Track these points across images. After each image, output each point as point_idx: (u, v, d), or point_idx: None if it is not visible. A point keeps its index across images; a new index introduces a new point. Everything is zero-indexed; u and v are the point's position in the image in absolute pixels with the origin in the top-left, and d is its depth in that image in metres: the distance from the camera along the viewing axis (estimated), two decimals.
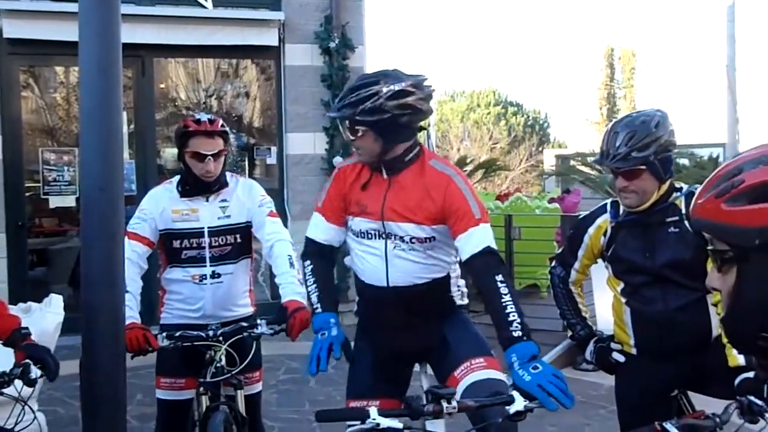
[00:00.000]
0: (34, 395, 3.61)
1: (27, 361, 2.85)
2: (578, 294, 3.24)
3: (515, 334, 2.55)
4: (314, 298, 2.97)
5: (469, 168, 12.58)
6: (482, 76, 66.08)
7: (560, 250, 3.34)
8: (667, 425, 2.00)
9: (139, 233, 3.45)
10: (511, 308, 2.61)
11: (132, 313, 3.26)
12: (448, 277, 2.99)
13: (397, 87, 2.74)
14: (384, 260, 2.89)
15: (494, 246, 2.79)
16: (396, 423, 2.17)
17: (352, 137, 2.83)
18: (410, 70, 2.90)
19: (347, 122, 2.81)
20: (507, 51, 55.31)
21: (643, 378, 2.96)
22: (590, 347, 3.13)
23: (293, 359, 6.87)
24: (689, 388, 3.03)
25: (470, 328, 3.01)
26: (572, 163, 14.30)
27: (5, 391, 2.80)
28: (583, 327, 3.17)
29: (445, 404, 2.20)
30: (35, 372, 2.82)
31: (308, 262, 3.05)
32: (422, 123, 2.96)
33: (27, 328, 3.07)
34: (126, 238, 3.30)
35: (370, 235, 2.91)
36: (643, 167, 2.82)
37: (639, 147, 2.81)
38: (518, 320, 2.58)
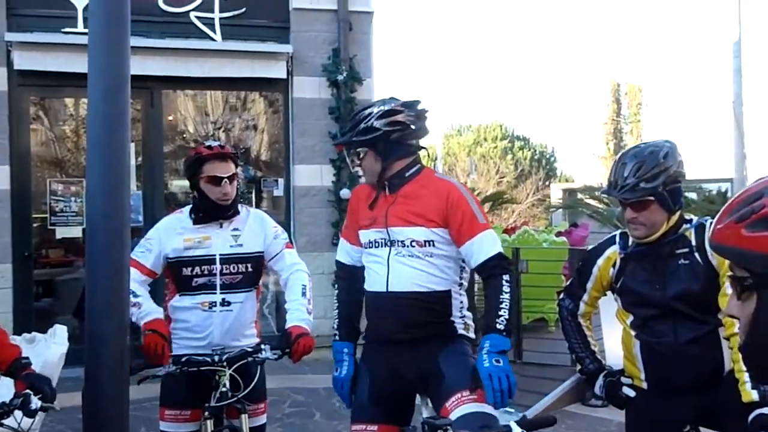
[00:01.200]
0: (36, 427, 3.57)
1: (27, 391, 2.82)
2: (587, 327, 3.20)
3: (498, 327, 2.85)
4: (335, 324, 3.24)
5: None
6: (489, 110, 66.44)
7: (569, 283, 3.31)
8: None
9: (140, 261, 3.47)
10: (505, 305, 2.89)
11: (152, 308, 3.40)
12: (449, 296, 3.05)
13: (386, 107, 3.03)
14: (386, 266, 3.03)
15: (503, 252, 3.01)
16: None
17: (357, 161, 3.08)
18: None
19: (351, 149, 3.09)
20: (514, 85, 55.73)
21: (654, 413, 2.91)
22: (600, 381, 3.08)
23: (299, 392, 6.81)
24: (702, 424, 2.97)
25: (465, 358, 3.03)
26: (579, 196, 14.27)
27: (5, 422, 2.77)
28: (592, 361, 3.12)
29: None
30: (35, 402, 2.80)
31: (337, 286, 3.34)
32: (422, 143, 3.18)
33: (27, 358, 3.06)
34: None
35: (377, 244, 3.07)
36: (652, 198, 2.80)
37: (647, 178, 2.79)
38: (506, 317, 2.86)
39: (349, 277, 3.28)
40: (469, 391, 2.86)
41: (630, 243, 2.98)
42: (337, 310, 3.28)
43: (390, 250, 3.02)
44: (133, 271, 3.38)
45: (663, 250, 2.88)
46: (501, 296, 2.89)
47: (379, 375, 3.06)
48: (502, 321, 2.85)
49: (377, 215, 3.07)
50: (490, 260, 2.95)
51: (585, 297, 3.14)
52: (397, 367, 3.02)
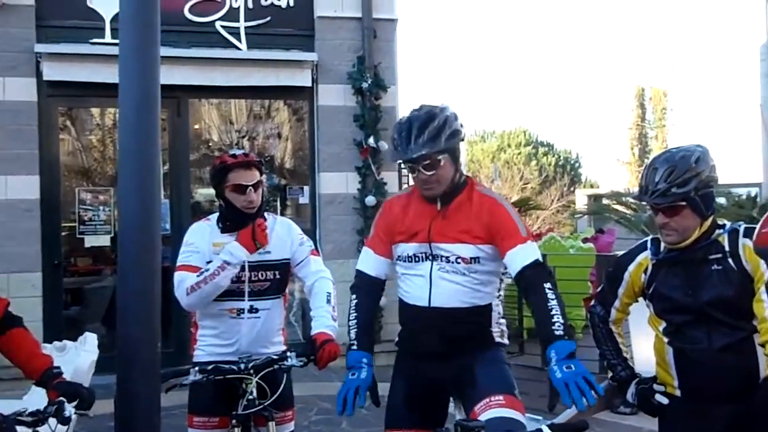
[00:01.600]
0: None
1: (61, 398, 2.85)
2: (618, 334, 3.17)
3: (557, 333, 2.76)
4: (352, 334, 3.13)
5: None
6: (512, 116, 66.08)
7: (599, 289, 3.28)
8: None
9: (193, 264, 3.47)
10: (556, 311, 2.81)
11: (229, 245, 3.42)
12: (489, 309, 3.05)
13: (451, 110, 3.00)
14: (428, 281, 2.99)
15: (542, 260, 2.98)
16: None
17: (430, 172, 2.93)
18: None
19: (427, 160, 2.91)
20: (537, 91, 55.52)
21: (688, 421, 2.87)
22: (631, 389, 3.04)
23: (325, 400, 6.81)
24: None
25: (500, 365, 3.03)
26: (606, 201, 14.17)
27: (40, 429, 2.79)
28: (624, 368, 3.09)
29: None
30: (69, 410, 2.82)
31: (355, 296, 3.21)
32: None
33: (59, 367, 3.09)
34: (179, 272, 3.43)
35: (417, 258, 3.03)
36: (684, 203, 2.77)
37: (679, 183, 2.76)
38: (561, 321, 2.78)
39: (370, 288, 3.22)
40: (499, 396, 2.86)
41: (662, 249, 2.94)
42: (354, 320, 3.16)
43: (432, 264, 3.00)
44: (186, 274, 3.42)
45: (696, 255, 2.84)
46: (549, 304, 2.82)
47: (416, 383, 3.06)
48: (559, 326, 2.77)
49: (418, 229, 3.02)
50: (527, 267, 2.91)
51: (616, 303, 3.10)
52: (434, 376, 3.02)
